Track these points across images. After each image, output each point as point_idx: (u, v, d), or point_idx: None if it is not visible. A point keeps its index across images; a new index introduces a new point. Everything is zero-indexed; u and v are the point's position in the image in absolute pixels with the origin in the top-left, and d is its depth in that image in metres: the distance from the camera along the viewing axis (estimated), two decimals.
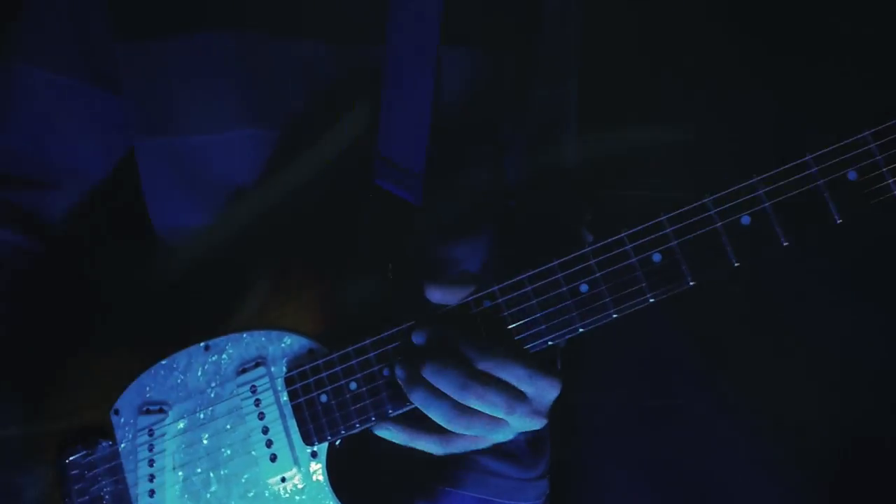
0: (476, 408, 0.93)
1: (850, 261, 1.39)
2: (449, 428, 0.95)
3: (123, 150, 1.22)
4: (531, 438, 1.28)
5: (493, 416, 0.94)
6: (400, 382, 0.97)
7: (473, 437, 0.97)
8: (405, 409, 1.00)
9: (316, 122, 1.11)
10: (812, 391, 1.44)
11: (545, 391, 0.94)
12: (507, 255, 1.21)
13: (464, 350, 0.93)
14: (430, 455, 1.06)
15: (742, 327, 1.51)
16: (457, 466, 1.20)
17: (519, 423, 0.96)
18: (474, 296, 0.97)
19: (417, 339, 0.96)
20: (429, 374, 0.93)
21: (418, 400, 0.95)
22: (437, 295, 0.98)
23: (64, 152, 1.21)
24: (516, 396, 0.93)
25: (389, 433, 0.98)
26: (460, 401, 0.92)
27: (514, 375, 0.93)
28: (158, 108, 1.13)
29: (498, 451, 1.22)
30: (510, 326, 0.96)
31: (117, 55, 1.13)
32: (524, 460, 1.26)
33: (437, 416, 0.95)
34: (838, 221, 0.87)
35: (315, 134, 1.11)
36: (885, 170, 0.85)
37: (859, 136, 0.86)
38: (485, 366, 0.92)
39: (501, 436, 0.98)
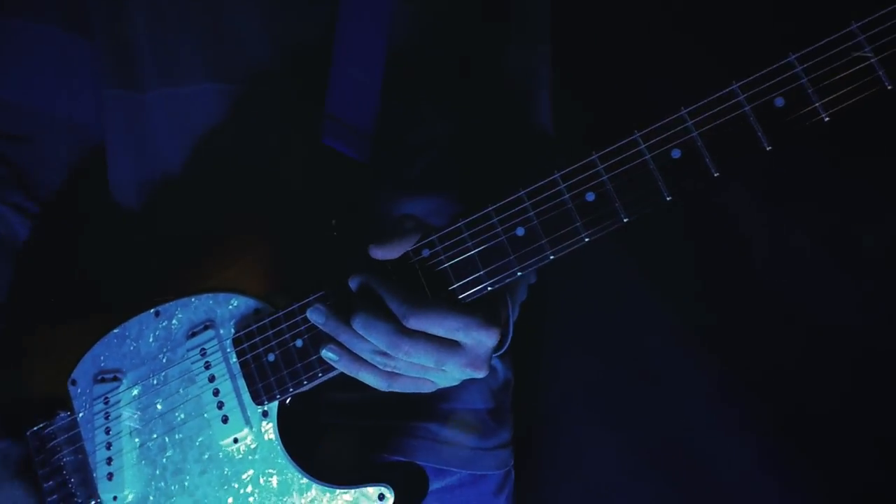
0: (404, 360, 0.92)
1: (854, 239, 1.38)
2: (382, 377, 0.95)
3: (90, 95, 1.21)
4: (492, 408, 1.27)
5: (424, 365, 0.93)
6: (325, 329, 0.96)
7: (415, 378, 0.96)
8: None
9: (273, 79, 1.11)
10: (789, 355, 1.42)
11: (481, 340, 0.93)
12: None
13: (390, 305, 0.92)
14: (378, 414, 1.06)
15: (724, 295, 1.49)
16: (407, 435, 1.19)
17: (456, 373, 0.95)
18: (413, 245, 0.97)
19: (353, 283, 0.96)
20: (358, 324, 0.92)
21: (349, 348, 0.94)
22: (379, 253, 0.97)
23: (43, 97, 1.21)
24: (447, 348, 0.92)
25: (334, 356, 0.96)
26: (390, 353, 0.92)
27: (446, 328, 0.91)
28: (121, 60, 1.13)
29: (452, 420, 1.22)
30: (450, 274, 0.96)
31: (88, 4, 1.13)
32: (483, 430, 1.25)
33: (375, 382, 0.96)
34: (768, 149, 0.86)
35: (270, 90, 1.11)
36: (811, 91, 0.84)
37: (785, 60, 0.85)
38: (413, 322, 0.91)
39: (442, 381, 0.98)
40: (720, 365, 1.41)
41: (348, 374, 0.96)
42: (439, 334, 0.92)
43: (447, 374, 0.95)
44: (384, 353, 0.92)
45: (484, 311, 0.94)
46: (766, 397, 1.37)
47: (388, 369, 0.94)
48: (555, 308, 1.35)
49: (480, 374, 0.95)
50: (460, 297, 0.95)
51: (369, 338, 0.92)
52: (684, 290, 1.44)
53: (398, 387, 0.96)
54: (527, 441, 1.39)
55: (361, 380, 0.96)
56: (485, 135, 1.25)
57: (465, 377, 0.96)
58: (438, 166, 1.20)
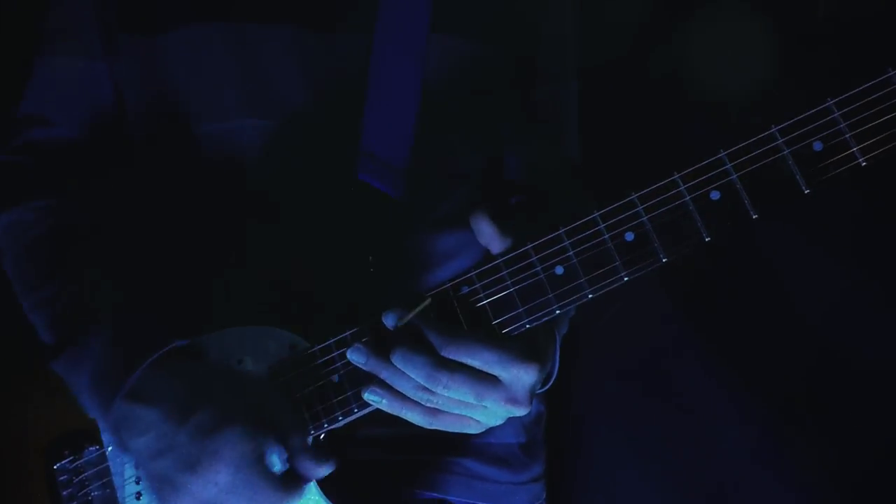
0: (444, 394, 0.93)
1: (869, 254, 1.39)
2: (425, 414, 0.96)
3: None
4: (524, 442, 1.27)
5: (465, 401, 0.94)
6: (367, 367, 0.97)
7: (458, 416, 0.96)
8: None
9: (308, 115, 1.12)
10: (820, 380, 1.43)
11: (520, 376, 0.93)
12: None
13: (428, 336, 0.93)
14: (417, 456, 1.06)
15: (746, 317, 1.50)
16: (441, 471, 1.19)
17: (497, 410, 0.96)
18: (452, 282, 0.98)
19: (389, 320, 0.96)
20: (397, 358, 0.93)
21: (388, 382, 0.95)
22: (497, 245, 0.96)
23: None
24: (486, 382, 0.93)
25: (377, 398, 0.96)
26: (429, 387, 0.92)
27: (483, 360, 0.92)
28: (159, 103, 1.14)
29: (485, 454, 1.22)
30: (489, 312, 0.97)
31: (122, 46, 1.15)
32: (514, 464, 1.25)
33: (418, 419, 0.96)
34: (806, 192, 0.88)
35: (306, 127, 1.12)
36: (848, 136, 0.86)
37: (823, 105, 0.87)
38: (449, 352, 0.91)
39: (485, 420, 0.98)
40: (758, 399, 1.41)
41: (391, 413, 0.97)
42: (476, 366, 0.93)
43: (489, 410, 0.95)
44: (425, 389, 0.93)
45: (522, 345, 0.95)
46: (801, 429, 1.37)
47: (431, 405, 0.94)
48: (587, 338, 1.35)
49: (522, 412, 0.96)
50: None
51: (409, 372, 0.93)
52: (717, 320, 1.45)
53: (441, 425, 0.96)
54: (559, 474, 1.38)
55: (405, 418, 0.97)
56: (517, 168, 1.27)
57: (507, 415, 0.97)
58: (472, 200, 1.22)
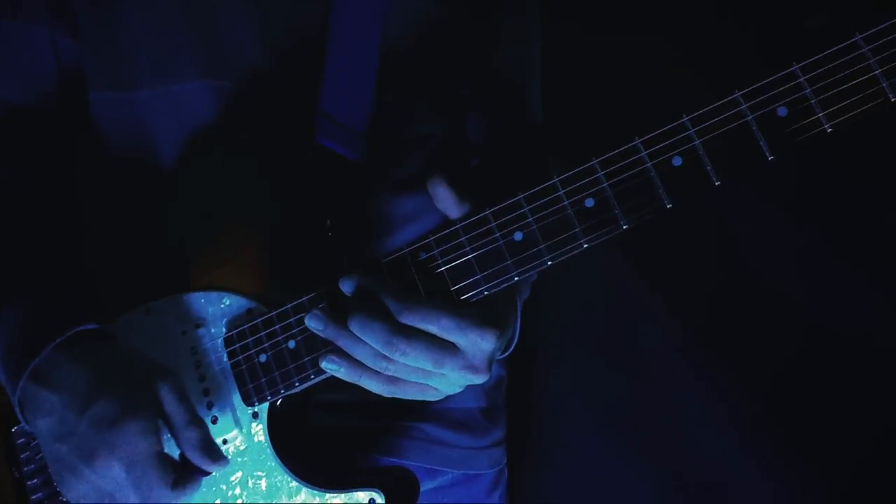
0: (402, 362, 0.91)
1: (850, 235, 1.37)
2: (384, 382, 0.94)
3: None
4: (485, 407, 1.26)
5: (423, 368, 0.92)
6: (325, 335, 0.95)
7: (417, 384, 0.95)
8: None
9: (267, 77, 1.09)
10: (780, 342, 1.42)
11: (478, 342, 0.92)
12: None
13: (385, 303, 0.91)
14: (374, 420, 1.05)
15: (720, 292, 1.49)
16: (399, 436, 1.18)
17: (456, 377, 0.94)
18: (410, 248, 0.96)
19: (346, 286, 0.95)
20: (355, 325, 0.91)
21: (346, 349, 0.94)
22: (454, 211, 0.94)
23: (35, 97, 1.17)
24: (444, 349, 0.91)
25: (334, 366, 0.95)
26: (387, 354, 0.91)
27: (440, 327, 0.91)
28: (110, 61, 1.11)
29: (445, 419, 1.21)
30: (446, 278, 0.95)
31: (76, 5, 1.11)
32: (475, 429, 1.24)
33: (376, 388, 0.96)
34: (770, 158, 0.86)
35: (264, 88, 1.09)
36: (814, 101, 0.83)
37: (788, 70, 0.84)
38: (406, 318, 0.90)
39: (445, 388, 0.97)
40: (716, 361, 1.40)
41: (349, 381, 0.96)
42: (434, 332, 0.91)
43: (447, 378, 0.94)
44: (383, 357, 0.91)
45: (481, 311, 0.93)
46: (758, 391, 1.37)
47: (389, 373, 0.93)
48: (548, 303, 1.34)
49: (480, 379, 0.95)
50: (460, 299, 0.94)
51: (366, 339, 0.91)
52: (677, 284, 1.44)
53: (400, 393, 0.95)
54: (520, 438, 1.38)
55: (363, 386, 0.95)
56: (478, 131, 1.24)
57: (466, 382, 0.96)
58: (432, 163, 1.19)
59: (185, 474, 0.99)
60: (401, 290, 0.93)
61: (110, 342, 1.04)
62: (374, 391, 0.96)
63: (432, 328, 0.91)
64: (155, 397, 0.98)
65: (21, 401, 1.01)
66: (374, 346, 0.91)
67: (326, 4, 1.07)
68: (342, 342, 0.94)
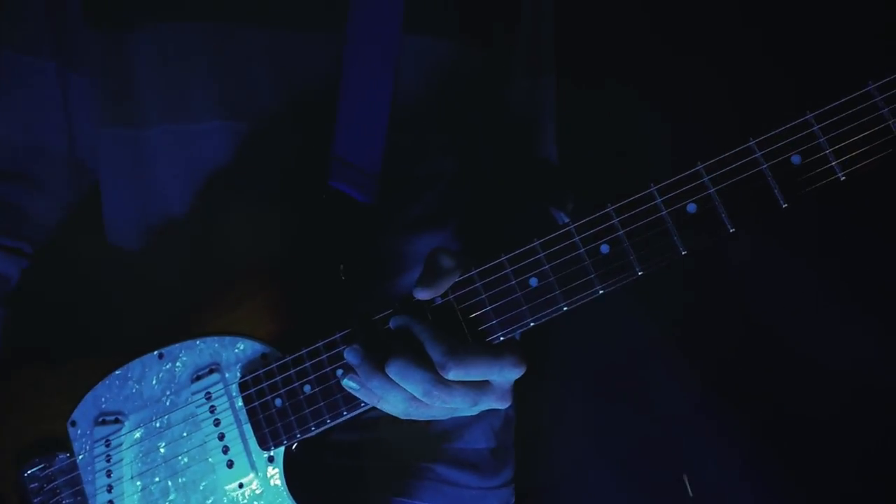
0: (439, 406, 0.91)
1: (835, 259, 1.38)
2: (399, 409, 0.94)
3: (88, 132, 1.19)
4: (495, 447, 1.26)
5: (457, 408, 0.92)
6: (360, 375, 0.93)
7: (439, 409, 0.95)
8: (360, 411, 0.99)
9: (280, 119, 1.09)
10: (790, 384, 1.43)
11: (508, 375, 0.92)
12: (479, 245, 1.18)
13: (429, 351, 0.90)
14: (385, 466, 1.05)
15: (716, 323, 1.50)
16: (412, 477, 1.18)
17: (484, 407, 0.95)
18: (454, 294, 0.95)
19: (393, 324, 0.94)
20: (393, 372, 0.90)
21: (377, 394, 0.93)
22: (425, 294, 0.93)
23: (38, 133, 1.19)
24: (480, 391, 0.91)
25: (355, 385, 0.94)
26: (424, 401, 0.90)
27: (481, 374, 0.90)
28: (122, 99, 1.11)
29: (456, 460, 1.21)
30: (462, 323, 0.95)
31: (84, 41, 1.11)
32: (484, 469, 1.24)
33: (396, 411, 0.95)
34: (784, 206, 0.87)
35: (278, 131, 1.09)
36: (828, 151, 0.84)
37: (802, 118, 0.85)
38: (453, 373, 0.89)
39: (463, 412, 0.96)
40: (727, 407, 1.41)
41: (368, 403, 0.95)
42: (476, 380, 0.91)
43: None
44: (418, 401, 0.91)
45: (511, 347, 0.93)
46: (775, 444, 1.38)
47: (416, 408, 0.93)
48: (555, 345, 1.35)
49: (504, 406, 0.95)
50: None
51: (404, 385, 0.90)
52: (689, 327, 1.44)
53: (417, 416, 0.95)
54: (529, 479, 1.38)
55: (381, 408, 0.95)
56: (491, 168, 1.24)
57: (490, 407, 0.95)
58: (445, 201, 1.19)
59: None
60: (448, 339, 0.91)
61: None
62: (392, 413, 0.96)
63: (476, 377, 0.91)
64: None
65: None
66: (411, 392, 0.90)
67: (340, 46, 1.08)
68: (375, 384, 0.92)
